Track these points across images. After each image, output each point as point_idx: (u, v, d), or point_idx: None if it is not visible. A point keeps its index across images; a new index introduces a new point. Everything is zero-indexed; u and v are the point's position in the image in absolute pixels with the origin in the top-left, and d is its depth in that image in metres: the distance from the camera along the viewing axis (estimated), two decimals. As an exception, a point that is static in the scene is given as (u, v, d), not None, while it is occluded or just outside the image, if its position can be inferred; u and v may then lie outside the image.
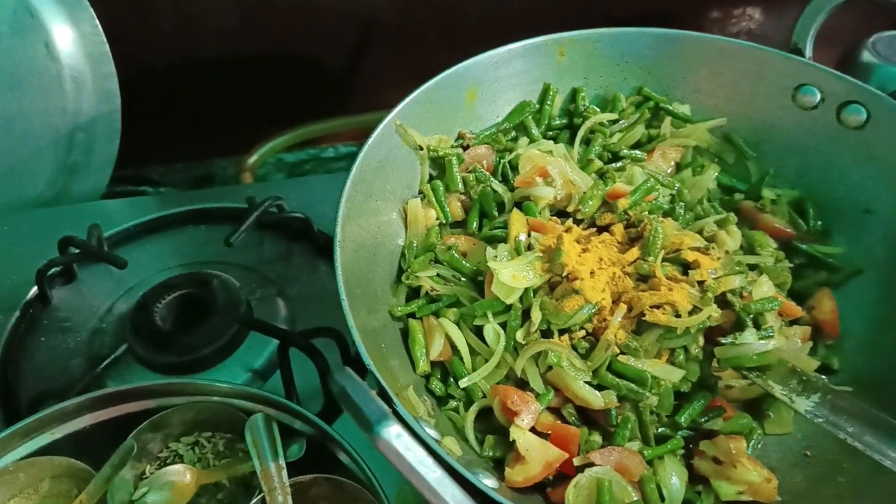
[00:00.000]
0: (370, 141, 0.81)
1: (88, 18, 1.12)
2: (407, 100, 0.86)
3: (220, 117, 1.38)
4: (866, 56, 1.25)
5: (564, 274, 0.74)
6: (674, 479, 0.71)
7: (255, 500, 0.69)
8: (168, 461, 0.77)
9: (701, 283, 0.75)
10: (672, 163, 0.95)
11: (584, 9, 1.42)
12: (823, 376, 0.81)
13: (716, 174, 0.93)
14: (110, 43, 1.15)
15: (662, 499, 0.70)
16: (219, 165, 1.45)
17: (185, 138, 1.40)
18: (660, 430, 0.75)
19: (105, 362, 0.92)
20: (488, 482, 0.60)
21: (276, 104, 1.41)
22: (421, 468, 0.47)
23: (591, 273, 0.75)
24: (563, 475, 0.71)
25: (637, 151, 0.94)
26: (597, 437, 0.73)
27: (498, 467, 0.72)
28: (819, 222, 0.91)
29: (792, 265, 0.87)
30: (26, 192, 1.20)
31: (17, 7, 1.09)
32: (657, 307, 0.73)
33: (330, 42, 1.38)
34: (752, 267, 0.83)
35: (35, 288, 1.02)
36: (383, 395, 0.60)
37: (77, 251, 1.03)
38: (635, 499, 0.69)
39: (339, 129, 1.43)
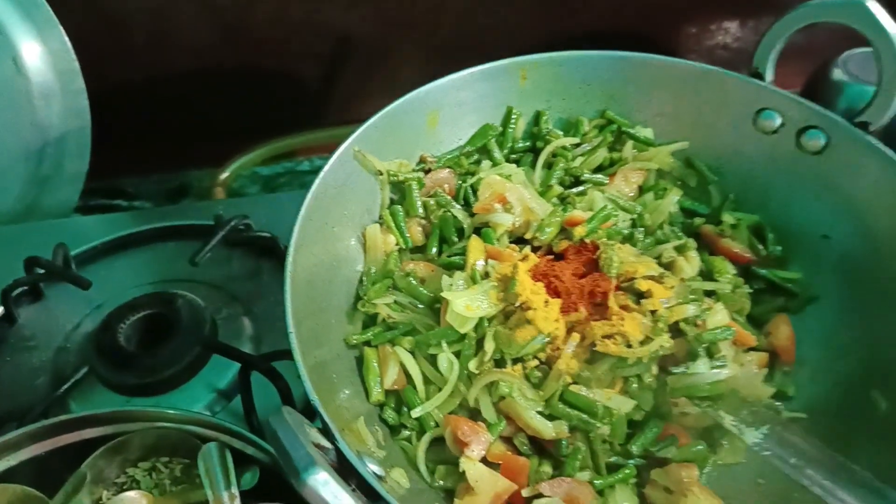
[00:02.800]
0: (327, 167, 0.81)
1: (57, 35, 1.13)
2: (366, 125, 0.86)
3: (194, 130, 1.38)
4: (837, 74, 1.25)
5: (518, 303, 0.74)
6: (624, 508, 0.72)
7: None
8: (125, 487, 0.77)
9: (653, 312, 0.76)
10: (634, 186, 0.94)
11: (558, 26, 1.43)
12: (779, 403, 0.81)
13: (677, 198, 0.93)
14: (83, 58, 1.15)
15: (612, 529, 0.71)
16: (193, 177, 1.45)
17: (160, 151, 1.40)
18: (612, 458, 0.75)
19: (66, 385, 0.92)
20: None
21: (251, 117, 1.41)
22: (347, 515, 0.47)
23: (546, 302, 0.75)
24: (513, 506, 0.71)
25: (599, 175, 0.94)
26: (547, 468, 0.73)
27: (449, 497, 0.72)
28: (778, 247, 0.91)
29: (751, 290, 0.87)
30: (-4, 207, 1.20)
31: (-17, 23, 1.09)
32: (609, 337, 0.74)
33: (305, 56, 1.38)
34: (710, 293, 0.83)
35: (0, 307, 1.02)
36: (326, 430, 0.60)
37: (42, 271, 1.03)
38: (584, 530, 0.69)
39: (313, 143, 1.43)
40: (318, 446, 0.54)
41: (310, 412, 0.81)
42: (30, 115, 1.15)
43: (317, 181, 0.79)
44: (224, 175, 1.32)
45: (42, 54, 1.13)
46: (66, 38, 1.13)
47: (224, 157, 1.39)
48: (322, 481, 0.47)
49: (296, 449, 0.49)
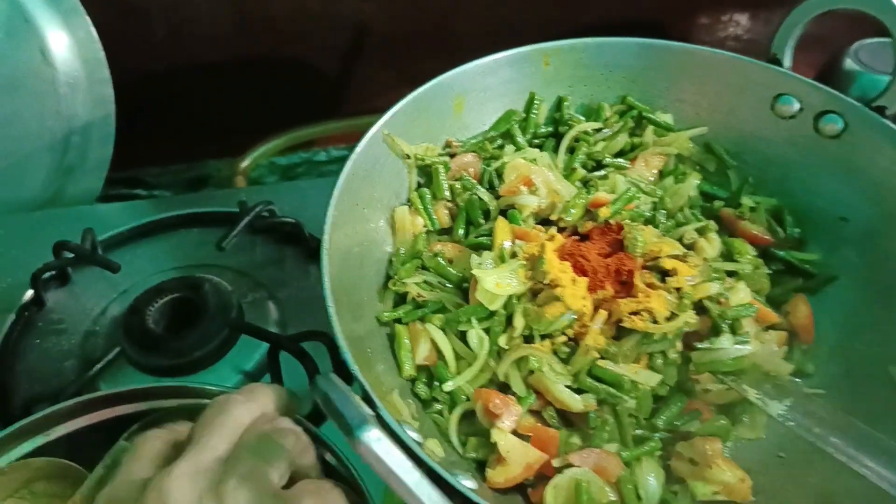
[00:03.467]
0: (358, 150, 0.83)
1: (83, 25, 1.14)
2: (394, 109, 0.87)
3: (214, 121, 1.40)
4: (849, 63, 1.27)
5: (546, 281, 0.76)
6: (651, 479, 0.73)
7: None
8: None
9: (678, 289, 0.78)
10: (654, 170, 0.96)
11: (573, 16, 1.44)
12: (798, 380, 0.83)
13: (697, 182, 0.95)
14: (106, 47, 1.17)
15: (639, 499, 0.72)
16: (212, 167, 1.47)
17: (179, 141, 1.42)
18: (638, 431, 0.77)
19: (98, 365, 0.93)
20: (468, 483, 0.62)
21: (270, 108, 1.43)
22: (400, 471, 0.49)
23: (573, 280, 0.77)
24: (543, 476, 0.73)
25: (620, 160, 0.96)
26: (576, 440, 0.75)
27: (480, 468, 0.74)
28: (797, 230, 0.93)
29: (770, 271, 0.88)
30: (22, 194, 1.22)
31: (12, 13, 1.11)
32: (635, 313, 0.76)
33: (322, 48, 1.40)
34: (731, 273, 0.85)
35: (30, 291, 1.04)
36: (367, 399, 0.62)
37: (71, 255, 1.04)
38: (613, 499, 0.71)
39: (331, 133, 1.45)
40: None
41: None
42: (55, 104, 1.16)
43: (348, 163, 0.81)
44: (244, 164, 1.34)
45: (69, 44, 1.14)
46: (93, 28, 1.15)
47: (242, 147, 1.41)
48: (375, 438, 0.49)
49: (348, 409, 0.50)
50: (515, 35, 1.44)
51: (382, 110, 1.45)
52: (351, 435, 0.49)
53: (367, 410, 0.58)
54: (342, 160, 1.47)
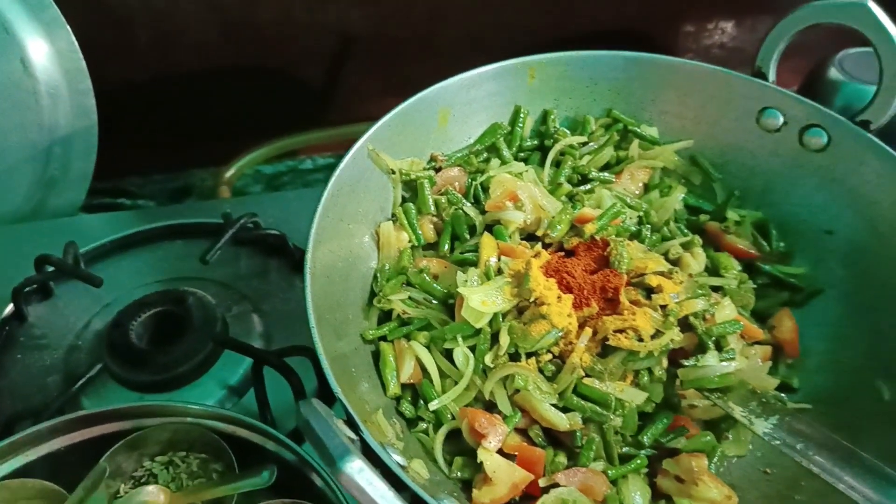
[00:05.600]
0: (342, 165, 0.82)
1: (64, 35, 1.13)
2: (379, 123, 0.87)
3: (198, 130, 1.40)
4: (833, 73, 1.28)
5: (532, 299, 0.76)
6: (637, 497, 0.74)
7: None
8: (142, 480, 0.78)
9: (663, 307, 0.78)
10: (640, 184, 0.97)
11: (558, 24, 1.44)
12: (783, 395, 0.83)
13: (682, 195, 0.96)
14: (88, 57, 1.15)
15: (626, 517, 0.73)
16: (196, 177, 1.46)
17: (163, 150, 1.41)
18: (624, 449, 0.77)
19: (80, 381, 0.92)
20: (452, 508, 0.62)
21: (255, 117, 1.42)
22: (383, 502, 0.48)
23: (558, 298, 0.77)
24: (530, 496, 0.72)
25: (605, 174, 0.96)
26: (562, 458, 0.75)
27: (466, 488, 0.73)
28: (782, 243, 0.93)
29: (755, 286, 0.89)
30: (3, 207, 1.20)
31: (-8, 23, 1.10)
32: (621, 331, 0.75)
33: (308, 56, 1.39)
34: (716, 289, 0.85)
35: (11, 305, 1.02)
36: (351, 422, 0.62)
37: (53, 269, 1.03)
38: (599, 518, 0.71)
39: (316, 142, 1.44)
40: (345, 436, 0.55)
41: (326, 405, 0.83)
42: (37, 116, 1.15)
43: (332, 178, 0.80)
44: (228, 174, 1.33)
45: (49, 54, 1.13)
46: (74, 39, 1.13)
47: (227, 156, 1.40)
48: (357, 469, 0.49)
49: (330, 438, 0.50)
50: (500, 42, 1.44)
51: (368, 118, 1.43)
52: (333, 465, 0.48)
53: (351, 435, 0.57)
54: (328, 168, 1.48)
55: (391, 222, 0.89)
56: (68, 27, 1.13)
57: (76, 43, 1.14)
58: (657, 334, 0.76)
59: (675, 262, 0.86)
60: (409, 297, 0.83)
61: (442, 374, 0.79)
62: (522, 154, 0.99)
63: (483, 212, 0.89)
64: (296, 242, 1.11)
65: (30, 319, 1.04)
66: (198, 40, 1.31)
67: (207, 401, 0.94)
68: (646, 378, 0.77)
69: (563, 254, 0.86)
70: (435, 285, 0.83)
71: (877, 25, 0.84)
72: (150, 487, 0.76)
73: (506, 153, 0.96)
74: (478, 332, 0.77)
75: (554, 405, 0.75)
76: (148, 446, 0.79)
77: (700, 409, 0.80)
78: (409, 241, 0.89)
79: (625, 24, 1.49)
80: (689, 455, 0.75)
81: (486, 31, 1.43)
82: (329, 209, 0.80)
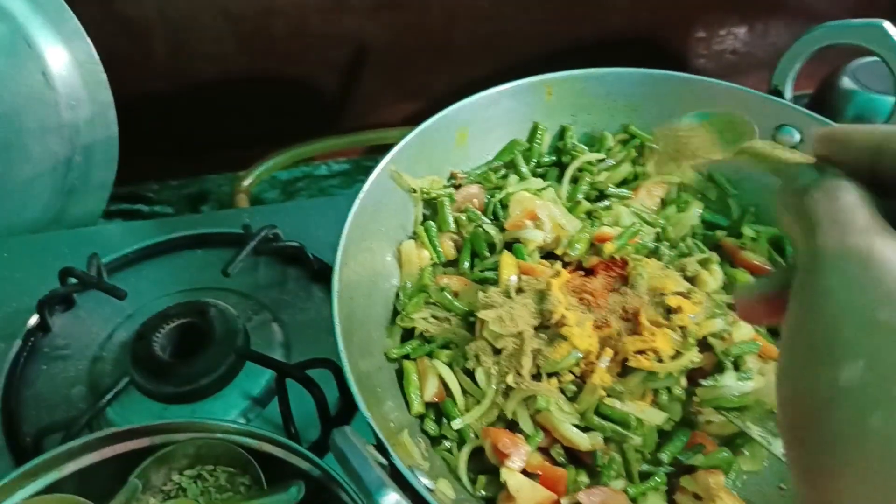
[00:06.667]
0: (366, 187, 0.84)
1: (85, 48, 1.14)
2: (400, 144, 0.88)
3: (214, 138, 1.41)
4: (846, 82, 1.29)
5: (553, 321, 0.77)
6: (656, 515, 0.75)
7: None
8: (172, 494, 0.80)
9: (682, 327, 0.79)
10: (657, 199, 0.98)
11: (570, 30, 1.45)
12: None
13: (699, 211, 0.97)
14: (106, 67, 1.16)
15: (645, 534, 0.74)
16: (213, 182, 1.47)
17: (180, 158, 1.43)
18: (643, 466, 0.78)
19: (108, 396, 0.94)
20: (480, 531, 0.63)
21: (271, 125, 1.43)
22: (418, 536, 0.50)
23: (579, 319, 0.78)
24: (552, 514, 0.74)
25: (623, 190, 0.97)
26: (584, 477, 0.76)
27: (490, 506, 0.75)
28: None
29: (771, 302, 0.90)
30: (24, 216, 1.22)
31: (14, 36, 1.11)
32: (641, 352, 0.77)
33: (323, 65, 1.40)
34: (733, 306, 0.86)
35: (35, 316, 1.04)
36: (379, 445, 0.63)
37: (77, 282, 1.05)
38: (619, 536, 0.73)
39: (331, 149, 1.46)
40: (378, 464, 0.57)
41: (347, 418, 0.85)
42: (58, 127, 1.16)
43: (356, 202, 0.82)
44: (246, 182, 1.34)
45: (70, 66, 1.14)
46: (94, 51, 1.14)
47: (243, 163, 1.41)
48: (393, 502, 0.50)
49: (366, 471, 0.52)
50: (513, 48, 1.45)
51: (383, 124, 1.46)
52: (370, 498, 0.50)
53: (381, 461, 0.59)
54: (343, 174, 1.50)
55: (413, 241, 0.90)
56: (88, 40, 1.14)
57: (96, 55, 1.15)
58: (676, 355, 0.77)
59: (693, 280, 0.87)
60: (432, 315, 0.84)
61: (465, 393, 0.80)
62: (540, 170, 1.00)
63: (502, 229, 0.91)
64: (314, 252, 1.12)
65: (54, 330, 1.05)
66: (214, 51, 1.32)
67: (231, 412, 0.96)
68: (665, 397, 0.79)
69: (582, 272, 0.87)
70: (456, 303, 0.85)
71: (893, 47, 0.85)
72: (180, 501, 0.78)
73: (524, 169, 0.97)
74: (499, 352, 0.79)
75: (576, 425, 0.76)
76: (176, 461, 0.80)
77: (716, 424, 0.81)
78: (431, 259, 0.90)
79: (638, 30, 1.50)
80: (707, 472, 0.77)
81: (500, 39, 1.43)
82: (353, 230, 0.81)
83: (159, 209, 1.43)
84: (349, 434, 0.56)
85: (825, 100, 1.30)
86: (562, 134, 1.01)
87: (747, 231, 0.95)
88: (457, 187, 0.95)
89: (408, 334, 0.86)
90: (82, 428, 0.90)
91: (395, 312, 0.86)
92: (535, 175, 0.98)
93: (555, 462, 0.77)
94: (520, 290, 0.82)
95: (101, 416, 0.94)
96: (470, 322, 0.84)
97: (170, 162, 1.43)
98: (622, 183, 0.99)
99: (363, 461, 0.52)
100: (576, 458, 0.78)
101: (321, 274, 1.10)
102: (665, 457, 0.78)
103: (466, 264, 0.90)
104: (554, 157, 1.01)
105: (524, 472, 0.75)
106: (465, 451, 0.77)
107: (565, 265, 0.87)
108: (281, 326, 1.07)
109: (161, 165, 1.43)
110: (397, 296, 0.87)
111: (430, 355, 0.82)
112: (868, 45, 0.87)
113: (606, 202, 0.95)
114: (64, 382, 1.00)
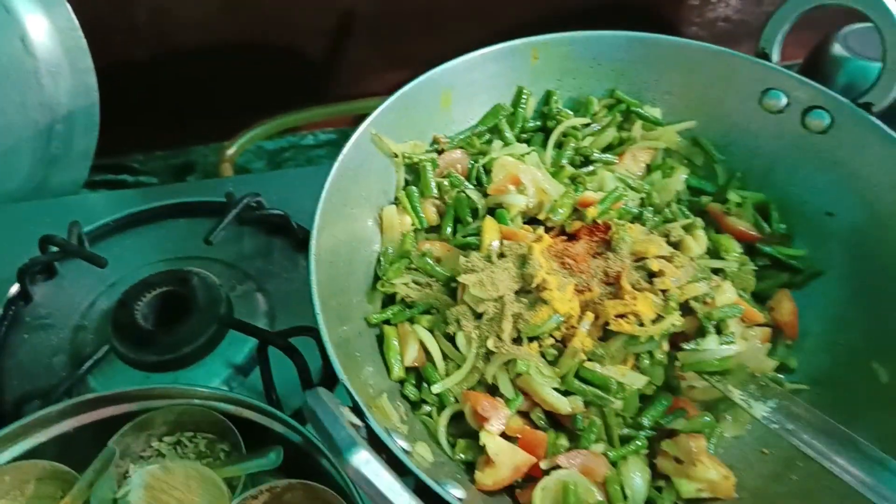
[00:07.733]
0: (345, 150, 0.82)
1: (64, 13, 1.12)
2: (381, 107, 0.87)
3: (199, 106, 1.39)
4: (837, 49, 1.26)
5: (534, 285, 0.76)
6: (636, 478, 0.75)
7: (235, 501, 0.72)
8: (151, 460, 0.80)
9: (664, 291, 0.78)
10: (642, 165, 0.97)
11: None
12: (781, 376, 0.84)
13: (685, 176, 0.96)
14: (88, 33, 1.15)
15: (625, 498, 0.74)
16: (199, 153, 1.46)
17: (165, 127, 1.41)
18: (624, 430, 0.78)
19: (88, 363, 0.94)
20: (456, 493, 0.63)
21: (256, 93, 1.41)
22: (389, 493, 0.49)
23: (560, 283, 0.77)
24: (531, 477, 0.74)
25: (608, 155, 0.96)
26: (563, 441, 0.76)
27: (469, 470, 0.75)
28: (782, 225, 0.93)
29: (755, 267, 0.89)
30: (6, 185, 1.21)
31: (-9, 2, 1.09)
32: (622, 316, 0.76)
33: (310, 31, 1.38)
34: (717, 271, 0.86)
35: (16, 285, 1.03)
36: (356, 407, 0.63)
37: (57, 250, 1.04)
38: (600, 499, 0.73)
39: (318, 118, 1.44)
40: (351, 424, 0.57)
41: (330, 385, 0.84)
42: (38, 94, 1.15)
43: (336, 165, 0.81)
44: (230, 151, 1.32)
45: (50, 33, 1.12)
46: (74, 17, 1.12)
47: (228, 132, 1.39)
48: (364, 460, 0.50)
49: (337, 430, 0.51)
50: (504, 14, 1.43)
51: (370, 93, 1.44)
52: (340, 457, 0.50)
53: (356, 422, 0.59)
54: (329, 144, 1.48)
55: (394, 206, 0.89)
56: (68, 5, 1.12)
57: (76, 21, 1.13)
58: (658, 318, 0.77)
59: (677, 245, 0.86)
60: (413, 281, 0.83)
61: (445, 357, 0.80)
62: (525, 135, 0.99)
63: (485, 195, 0.90)
64: (299, 221, 1.11)
65: (35, 299, 1.05)
66: (198, 16, 1.30)
67: (213, 380, 0.96)
68: (647, 361, 0.78)
69: (565, 237, 0.86)
70: (438, 268, 0.84)
71: (882, 9, 0.83)
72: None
73: (508, 134, 0.96)
74: (480, 316, 0.78)
75: (556, 389, 0.76)
76: (156, 427, 0.80)
77: (699, 390, 0.81)
78: (412, 225, 0.89)
79: (629, -3, 1.48)
80: (688, 436, 0.76)
81: (487, 6, 1.41)
82: (333, 194, 0.80)
83: (144, 179, 1.42)
84: (321, 394, 0.55)
85: (816, 67, 1.28)
86: (547, 99, 0.99)
87: (733, 196, 0.94)
88: (440, 152, 0.93)
89: (389, 300, 0.85)
90: (62, 395, 0.90)
91: (377, 278, 0.85)
92: (519, 140, 0.97)
93: (535, 426, 0.77)
94: (501, 255, 0.81)
95: (82, 385, 0.94)
96: (452, 288, 0.83)
97: (154, 132, 1.41)
98: (607, 148, 0.98)
99: (334, 420, 0.52)
100: (556, 421, 0.78)
101: (306, 243, 1.07)
102: (646, 421, 0.78)
103: (449, 230, 0.89)
104: (539, 123, 0.99)
105: (504, 435, 0.74)
106: (445, 414, 0.76)
107: (548, 230, 0.86)
108: (265, 296, 1.06)
109: (146, 136, 1.42)
110: (378, 261, 0.86)
111: (412, 321, 0.81)
112: (858, 7, 0.85)
113: (591, 167, 0.94)
114: (46, 351, 1.00)
